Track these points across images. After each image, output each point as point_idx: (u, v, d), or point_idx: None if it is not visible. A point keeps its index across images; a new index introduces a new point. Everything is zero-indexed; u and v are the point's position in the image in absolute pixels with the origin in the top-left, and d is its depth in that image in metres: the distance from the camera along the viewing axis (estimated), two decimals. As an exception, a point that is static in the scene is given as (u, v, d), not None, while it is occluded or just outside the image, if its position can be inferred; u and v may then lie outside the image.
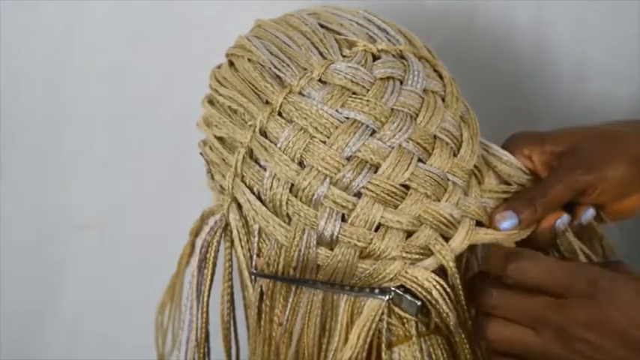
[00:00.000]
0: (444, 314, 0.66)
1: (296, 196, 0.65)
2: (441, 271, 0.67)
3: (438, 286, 0.66)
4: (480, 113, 0.71)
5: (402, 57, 0.70)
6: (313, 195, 0.65)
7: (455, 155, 0.68)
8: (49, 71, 0.94)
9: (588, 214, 0.72)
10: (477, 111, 0.71)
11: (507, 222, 0.68)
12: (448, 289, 0.66)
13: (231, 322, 0.70)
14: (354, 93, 0.66)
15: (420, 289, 0.65)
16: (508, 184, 0.72)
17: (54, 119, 0.95)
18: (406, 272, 0.65)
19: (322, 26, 0.71)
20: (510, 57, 0.96)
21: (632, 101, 0.97)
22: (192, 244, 0.70)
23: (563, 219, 0.70)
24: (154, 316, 0.74)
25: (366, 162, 0.65)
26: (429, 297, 0.65)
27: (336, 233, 0.65)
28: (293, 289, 0.66)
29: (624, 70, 0.96)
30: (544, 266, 0.63)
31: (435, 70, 0.72)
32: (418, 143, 0.66)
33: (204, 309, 0.69)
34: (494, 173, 0.72)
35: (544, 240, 0.70)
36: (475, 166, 0.69)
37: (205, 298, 0.69)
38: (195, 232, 0.70)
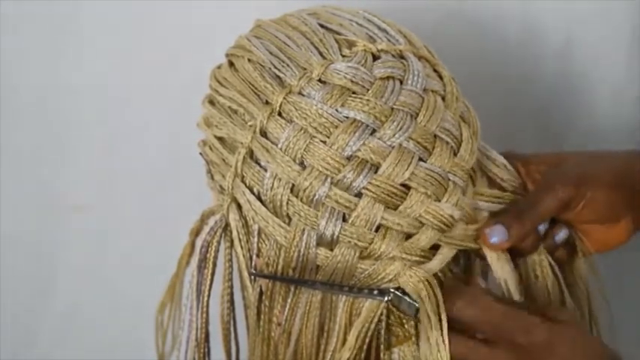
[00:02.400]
0: (427, 318, 0.65)
1: (297, 197, 0.65)
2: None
3: (428, 289, 0.65)
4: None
5: (401, 57, 0.70)
6: (314, 195, 0.65)
7: (455, 155, 0.68)
8: (46, 57, 0.94)
9: (562, 233, 0.71)
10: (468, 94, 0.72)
11: (497, 237, 0.68)
12: (438, 295, 0.65)
13: (231, 322, 0.70)
14: (353, 92, 0.66)
15: (412, 291, 0.65)
16: (502, 189, 0.71)
17: (52, 104, 0.95)
18: (405, 274, 0.65)
19: (322, 26, 0.71)
20: (499, 40, 0.97)
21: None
22: (192, 244, 0.70)
23: (545, 224, 0.71)
24: (150, 302, 0.73)
25: (367, 162, 0.65)
26: (418, 299, 0.65)
27: (336, 233, 0.65)
28: (292, 289, 0.66)
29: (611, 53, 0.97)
30: (481, 307, 0.62)
31: (435, 70, 0.72)
32: (418, 142, 0.66)
33: (204, 309, 0.69)
34: (487, 177, 0.72)
35: (526, 246, 0.70)
36: (471, 167, 0.69)
37: (205, 298, 0.69)
38: (196, 232, 0.70)
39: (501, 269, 0.69)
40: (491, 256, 0.69)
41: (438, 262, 0.67)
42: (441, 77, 0.71)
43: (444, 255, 0.67)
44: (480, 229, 0.69)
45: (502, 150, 0.74)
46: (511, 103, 0.96)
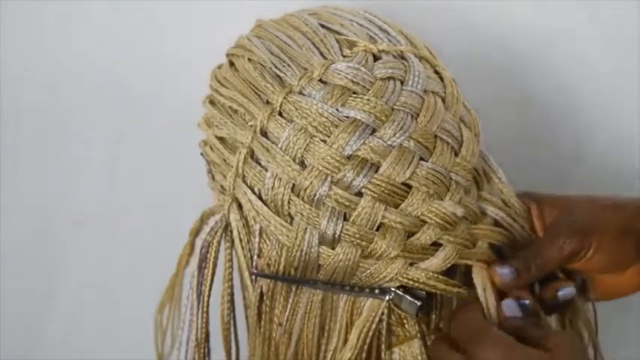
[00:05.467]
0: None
1: (298, 196, 0.65)
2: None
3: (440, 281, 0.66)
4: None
5: (402, 57, 0.70)
6: (315, 195, 0.65)
7: (456, 155, 0.68)
8: (49, 68, 0.94)
9: (567, 291, 0.70)
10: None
11: (505, 278, 0.67)
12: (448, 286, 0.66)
13: (231, 322, 0.69)
14: (354, 92, 0.66)
15: (423, 286, 0.66)
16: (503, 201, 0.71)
17: (53, 116, 0.96)
18: (407, 273, 0.65)
19: (323, 26, 0.71)
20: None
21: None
22: (192, 244, 0.70)
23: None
24: (151, 313, 0.73)
25: (367, 161, 0.65)
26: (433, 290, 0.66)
27: (338, 232, 0.65)
28: (293, 289, 0.66)
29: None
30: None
31: (436, 72, 0.72)
32: (419, 142, 0.66)
33: (205, 309, 0.69)
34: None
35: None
36: (475, 170, 0.69)
37: (206, 298, 0.69)
38: (195, 233, 0.70)
39: (482, 278, 0.68)
40: (478, 266, 0.68)
41: (440, 261, 0.66)
42: (441, 78, 0.71)
43: (447, 254, 0.66)
44: (490, 268, 0.68)
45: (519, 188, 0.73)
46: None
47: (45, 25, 0.93)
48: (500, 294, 0.68)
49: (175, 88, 0.94)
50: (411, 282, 0.66)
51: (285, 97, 0.66)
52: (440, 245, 0.67)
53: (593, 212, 0.70)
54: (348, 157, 0.65)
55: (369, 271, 0.66)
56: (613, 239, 0.68)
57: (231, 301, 0.69)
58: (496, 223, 0.70)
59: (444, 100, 0.69)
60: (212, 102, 0.73)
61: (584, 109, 0.95)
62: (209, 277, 0.69)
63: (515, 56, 0.94)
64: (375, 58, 0.69)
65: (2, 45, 0.93)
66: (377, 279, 0.65)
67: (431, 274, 0.66)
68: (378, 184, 0.65)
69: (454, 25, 0.93)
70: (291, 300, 0.67)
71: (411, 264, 0.66)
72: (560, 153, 0.96)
